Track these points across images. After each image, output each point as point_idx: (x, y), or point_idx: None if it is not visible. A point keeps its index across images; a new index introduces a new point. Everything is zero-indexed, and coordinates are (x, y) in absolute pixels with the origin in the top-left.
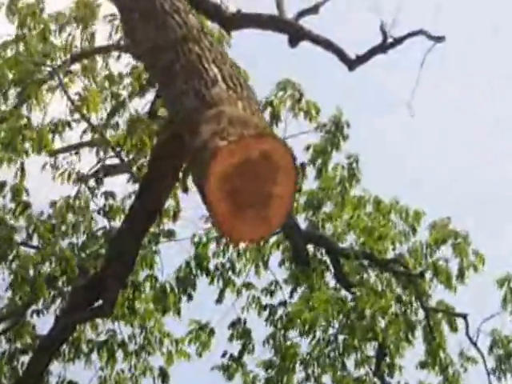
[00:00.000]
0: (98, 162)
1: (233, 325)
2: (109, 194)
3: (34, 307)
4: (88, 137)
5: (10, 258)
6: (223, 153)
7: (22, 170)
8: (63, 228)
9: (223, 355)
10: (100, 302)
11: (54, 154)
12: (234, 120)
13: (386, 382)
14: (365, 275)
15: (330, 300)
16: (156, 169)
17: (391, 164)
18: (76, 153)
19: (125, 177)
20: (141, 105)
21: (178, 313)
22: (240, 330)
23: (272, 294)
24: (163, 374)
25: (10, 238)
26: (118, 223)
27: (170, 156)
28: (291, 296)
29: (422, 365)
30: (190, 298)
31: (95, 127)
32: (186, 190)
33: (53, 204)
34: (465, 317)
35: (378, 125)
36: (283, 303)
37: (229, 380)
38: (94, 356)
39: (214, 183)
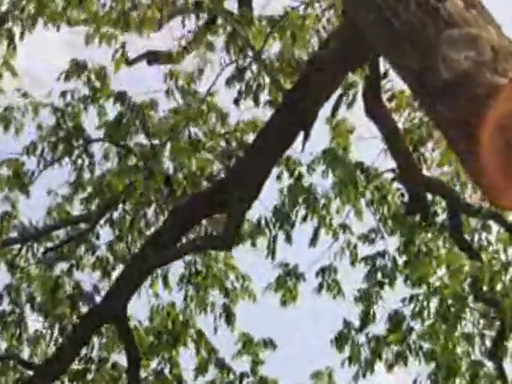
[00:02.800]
0: None
1: (322, 272)
2: None
3: None
4: None
5: None
6: (506, 93)
7: None
8: None
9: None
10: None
11: None
12: (500, 51)
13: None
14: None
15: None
16: (315, 77)
17: None
18: None
19: None
20: None
21: (273, 254)
22: (329, 280)
23: (372, 241)
24: (228, 312)
25: None
26: None
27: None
28: (400, 251)
29: None
30: (288, 238)
31: None
32: None
33: None
34: None
35: None
36: (381, 254)
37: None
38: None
39: (488, 131)
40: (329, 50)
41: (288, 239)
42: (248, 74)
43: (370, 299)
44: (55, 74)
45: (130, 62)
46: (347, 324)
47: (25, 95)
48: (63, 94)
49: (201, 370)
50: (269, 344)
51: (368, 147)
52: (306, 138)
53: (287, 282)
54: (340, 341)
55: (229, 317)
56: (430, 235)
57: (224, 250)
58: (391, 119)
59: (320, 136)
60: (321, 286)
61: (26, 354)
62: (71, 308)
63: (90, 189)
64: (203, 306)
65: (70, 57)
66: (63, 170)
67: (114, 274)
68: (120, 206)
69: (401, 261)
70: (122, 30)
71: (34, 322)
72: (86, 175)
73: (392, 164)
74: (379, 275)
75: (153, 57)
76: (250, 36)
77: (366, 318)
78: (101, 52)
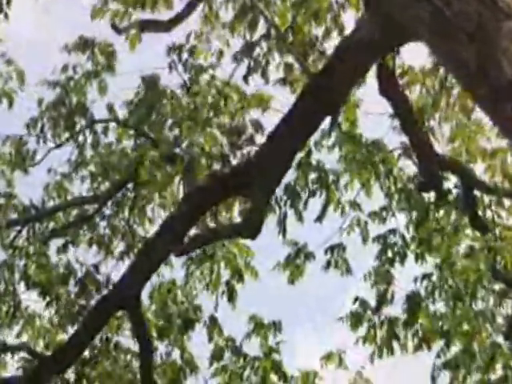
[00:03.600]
0: None
1: (331, 250)
2: None
3: None
4: None
5: None
6: None
7: None
8: None
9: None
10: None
11: None
12: None
13: None
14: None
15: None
16: (340, 66)
17: None
18: None
19: None
20: None
21: (284, 232)
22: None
23: (384, 220)
24: (230, 290)
25: None
26: None
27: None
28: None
29: None
30: (299, 217)
31: None
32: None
33: None
34: None
35: None
36: (392, 231)
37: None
38: None
39: None
40: (355, 39)
41: (299, 218)
42: (257, 50)
43: (385, 278)
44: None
45: (120, 30)
46: (363, 303)
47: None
48: (64, 69)
49: (216, 357)
50: (278, 326)
51: (375, 123)
52: (332, 124)
53: (296, 260)
54: (354, 320)
55: (232, 295)
56: (443, 212)
57: (248, 238)
58: (405, 97)
59: None
60: (329, 264)
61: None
62: (80, 291)
63: (94, 168)
64: (207, 283)
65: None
66: (65, 149)
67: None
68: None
69: (411, 238)
70: (135, 8)
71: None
72: (89, 154)
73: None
74: (390, 253)
75: (145, 25)
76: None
77: (383, 298)
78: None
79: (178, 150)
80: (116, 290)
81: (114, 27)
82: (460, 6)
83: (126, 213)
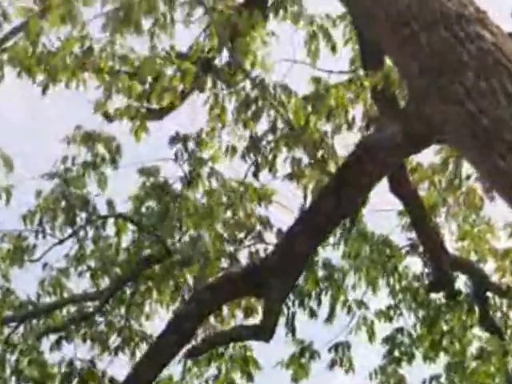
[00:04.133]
0: None
1: (335, 348)
2: None
3: None
4: None
5: None
6: None
7: None
8: None
9: None
10: None
11: None
12: None
13: None
14: None
15: None
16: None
17: None
18: None
19: None
20: None
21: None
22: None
23: (390, 319)
24: None
25: None
26: None
27: None
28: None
29: None
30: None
31: None
32: None
33: None
34: None
35: None
36: (400, 330)
37: None
38: None
39: None
40: (378, 139)
41: (311, 314)
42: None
43: (394, 377)
44: None
45: (111, 119)
46: None
47: None
48: (64, 160)
49: None
50: None
51: (382, 220)
52: (352, 223)
53: (301, 359)
54: None
55: None
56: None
57: (262, 341)
58: (417, 195)
59: None
60: (333, 362)
61: None
62: None
63: (94, 263)
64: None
65: None
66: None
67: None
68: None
69: (418, 338)
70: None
71: None
72: (89, 249)
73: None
74: (397, 353)
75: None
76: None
77: None
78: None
79: (182, 246)
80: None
81: (106, 116)
82: (496, 113)
83: (123, 308)
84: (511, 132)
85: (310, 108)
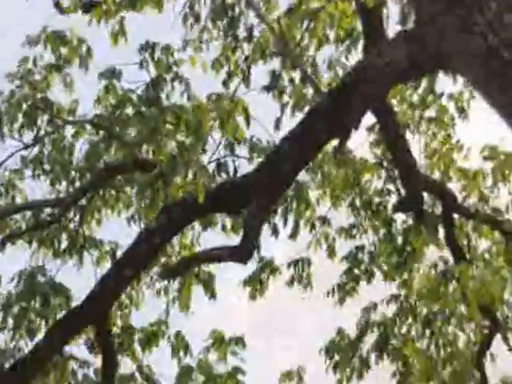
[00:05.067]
0: None
1: (295, 265)
2: None
3: None
4: None
5: None
6: None
7: None
8: None
9: None
10: None
11: None
12: None
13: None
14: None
15: None
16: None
17: None
18: None
19: None
20: None
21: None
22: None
23: (352, 237)
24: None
25: None
26: None
27: None
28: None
29: None
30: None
31: None
32: None
33: None
34: None
35: None
36: (361, 247)
37: None
38: None
39: None
40: (379, 64)
41: (274, 231)
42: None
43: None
44: None
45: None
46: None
47: None
48: (24, 61)
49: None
50: (240, 342)
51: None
52: (340, 146)
53: (261, 275)
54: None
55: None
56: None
57: (240, 262)
58: (393, 113)
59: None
60: (292, 279)
61: None
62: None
63: (53, 168)
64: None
65: None
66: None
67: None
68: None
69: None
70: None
71: None
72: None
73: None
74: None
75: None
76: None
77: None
78: None
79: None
80: (86, 304)
81: (57, 5)
82: None
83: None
84: None
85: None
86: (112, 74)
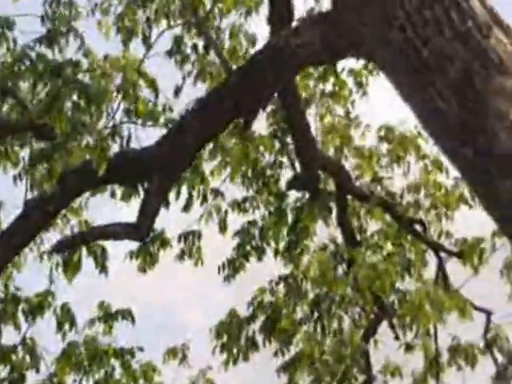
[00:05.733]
0: None
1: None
2: None
3: None
4: None
5: None
6: None
7: None
8: None
9: None
10: None
11: None
12: None
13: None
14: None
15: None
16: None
17: None
18: None
19: None
20: None
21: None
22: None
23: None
24: None
25: None
26: None
27: None
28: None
29: None
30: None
31: None
32: None
33: None
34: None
35: None
36: (254, 222)
37: None
38: None
39: None
40: (292, 44)
41: (166, 204)
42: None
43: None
44: None
45: None
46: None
47: None
48: None
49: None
50: (127, 315)
51: None
52: (246, 126)
53: (150, 247)
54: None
55: None
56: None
57: (136, 241)
58: (294, 88)
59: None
60: (183, 252)
61: None
62: None
63: None
64: None
65: None
66: None
67: None
68: None
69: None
70: None
71: None
72: None
73: None
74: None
75: None
76: None
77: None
78: None
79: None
80: None
81: None
82: (440, 45)
83: None
84: (454, 69)
85: None
86: (5, 23)
